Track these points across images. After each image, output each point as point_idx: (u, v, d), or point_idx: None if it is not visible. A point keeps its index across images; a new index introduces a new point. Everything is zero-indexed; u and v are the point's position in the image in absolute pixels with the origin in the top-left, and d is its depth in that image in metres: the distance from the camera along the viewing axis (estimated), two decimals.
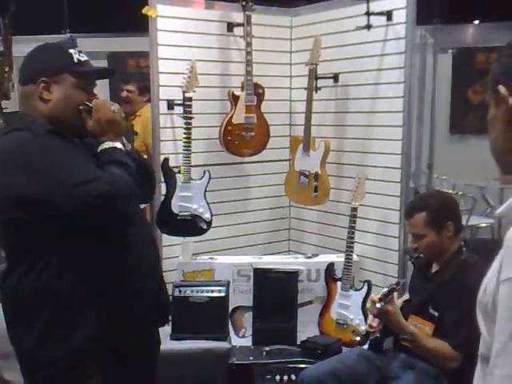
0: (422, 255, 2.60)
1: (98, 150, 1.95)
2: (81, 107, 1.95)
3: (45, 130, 1.86)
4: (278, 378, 3.03)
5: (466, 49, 4.98)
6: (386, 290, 2.49)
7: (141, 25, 3.74)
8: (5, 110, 4.16)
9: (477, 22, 6.14)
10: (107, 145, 1.95)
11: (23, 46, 4.81)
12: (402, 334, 2.53)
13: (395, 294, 2.56)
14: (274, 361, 3.09)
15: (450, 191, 4.43)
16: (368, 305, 2.61)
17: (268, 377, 3.03)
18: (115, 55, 4.95)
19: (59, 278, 1.85)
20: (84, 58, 1.99)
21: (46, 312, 1.85)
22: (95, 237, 1.85)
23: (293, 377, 2.98)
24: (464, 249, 2.59)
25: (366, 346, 2.77)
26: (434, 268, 2.66)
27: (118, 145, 1.97)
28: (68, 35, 5.18)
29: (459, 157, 4.86)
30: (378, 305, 2.43)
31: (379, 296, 2.46)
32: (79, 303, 1.86)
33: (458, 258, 2.57)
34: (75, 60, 1.95)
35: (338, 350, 3.08)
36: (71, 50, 1.96)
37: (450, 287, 2.49)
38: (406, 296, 2.85)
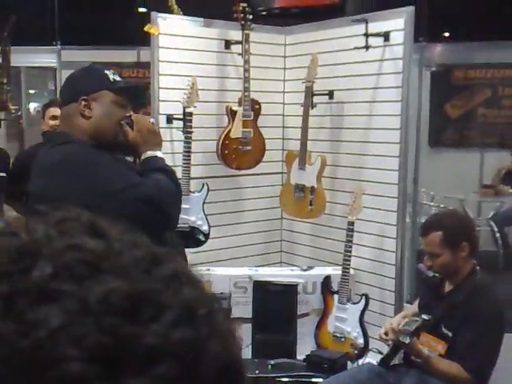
0: (437, 274, 2.47)
1: (142, 159, 1.94)
2: (122, 122, 1.93)
3: (89, 144, 1.87)
4: None
5: (444, 65, 4.96)
6: (408, 322, 2.34)
7: (132, 39, 3.59)
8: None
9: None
10: (150, 154, 1.95)
11: (17, 57, 4.65)
12: (416, 358, 2.40)
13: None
14: (279, 374, 2.92)
15: (431, 204, 4.34)
16: (387, 331, 2.45)
17: None
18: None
19: None
20: (118, 78, 1.99)
21: None
22: None
23: None
24: (477, 268, 2.48)
25: (374, 362, 2.64)
26: (447, 287, 2.53)
27: (160, 154, 1.98)
28: (58, 47, 4.94)
29: (439, 170, 4.79)
30: (406, 340, 2.28)
31: (403, 327, 2.31)
32: None
33: (472, 279, 2.46)
34: (111, 79, 1.94)
35: (344, 364, 2.93)
36: (106, 71, 1.96)
37: (464, 309, 2.38)
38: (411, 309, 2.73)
